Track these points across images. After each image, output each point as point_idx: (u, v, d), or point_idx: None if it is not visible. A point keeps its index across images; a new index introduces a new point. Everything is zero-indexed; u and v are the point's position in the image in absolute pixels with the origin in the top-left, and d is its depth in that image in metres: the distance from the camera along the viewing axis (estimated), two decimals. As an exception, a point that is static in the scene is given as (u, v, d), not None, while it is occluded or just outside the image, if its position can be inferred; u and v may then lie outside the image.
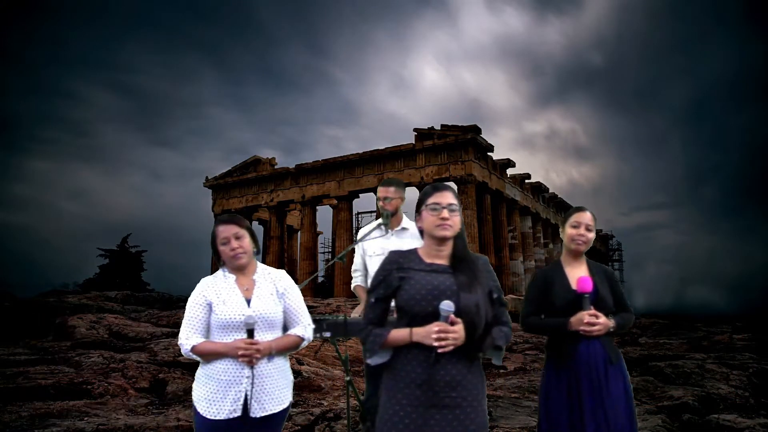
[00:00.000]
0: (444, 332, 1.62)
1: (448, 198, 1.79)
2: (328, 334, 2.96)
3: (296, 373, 6.29)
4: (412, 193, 24.03)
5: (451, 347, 1.63)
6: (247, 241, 2.05)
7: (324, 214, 41.62)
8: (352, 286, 3.59)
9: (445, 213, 1.76)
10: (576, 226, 2.39)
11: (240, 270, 2.07)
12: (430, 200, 1.79)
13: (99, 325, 10.19)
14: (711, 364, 6.69)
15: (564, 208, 37.01)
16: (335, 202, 29.81)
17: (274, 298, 2.06)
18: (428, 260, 1.79)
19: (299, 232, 31.96)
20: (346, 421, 3.56)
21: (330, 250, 34.86)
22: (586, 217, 2.40)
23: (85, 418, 4.11)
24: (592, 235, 2.40)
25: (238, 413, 1.92)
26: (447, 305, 1.64)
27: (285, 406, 2.03)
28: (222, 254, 2.05)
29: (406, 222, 3.40)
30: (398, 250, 1.87)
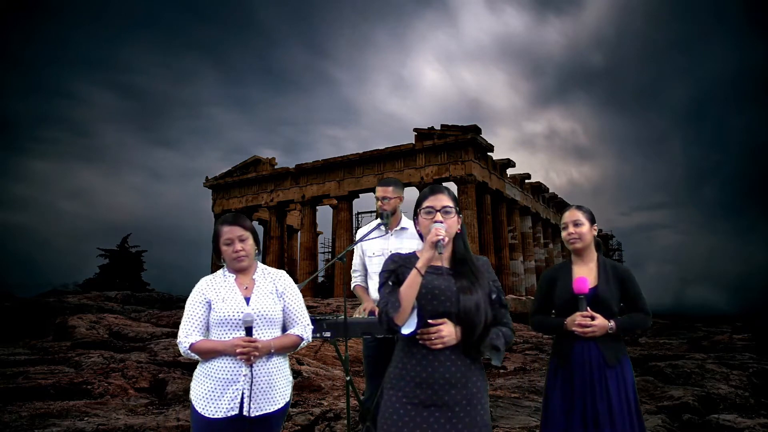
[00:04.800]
0: (437, 334, 1.67)
1: (442, 201, 1.82)
2: (328, 334, 2.96)
3: (296, 373, 6.28)
4: (412, 193, 24.00)
5: (439, 346, 1.67)
6: (250, 243, 2.06)
7: (324, 214, 41.63)
8: (352, 286, 3.58)
9: (439, 216, 1.79)
10: (564, 228, 2.44)
11: (241, 270, 2.08)
12: (426, 204, 1.83)
13: (99, 325, 10.20)
14: (711, 364, 6.69)
15: (564, 208, 36.99)
16: (335, 202, 29.81)
17: (274, 297, 2.07)
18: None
19: (299, 232, 31.95)
20: (346, 421, 3.56)
21: (330, 250, 34.84)
22: (571, 215, 2.43)
23: (85, 418, 4.11)
24: (584, 229, 2.39)
25: (236, 412, 1.92)
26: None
27: (281, 405, 2.02)
28: (224, 254, 2.06)
29: (405, 222, 3.38)
30: (399, 253, 1.89)
